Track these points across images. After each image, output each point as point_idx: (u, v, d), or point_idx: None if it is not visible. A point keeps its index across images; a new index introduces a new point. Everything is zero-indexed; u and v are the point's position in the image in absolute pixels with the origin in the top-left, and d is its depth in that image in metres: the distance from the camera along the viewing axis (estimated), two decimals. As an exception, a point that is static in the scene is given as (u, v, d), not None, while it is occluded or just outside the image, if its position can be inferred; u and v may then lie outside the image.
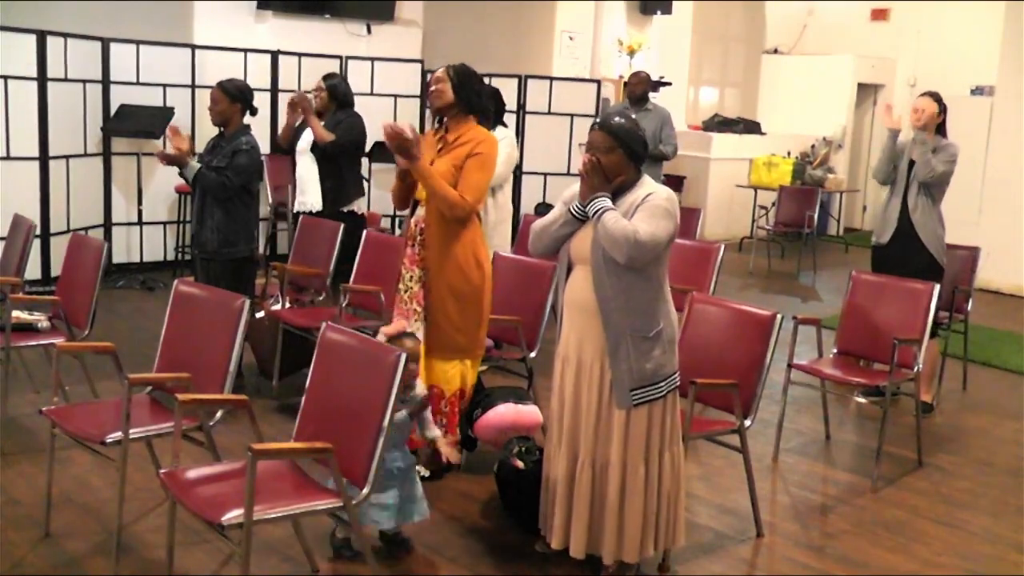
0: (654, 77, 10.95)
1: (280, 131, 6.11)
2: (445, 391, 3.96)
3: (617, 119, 3.16)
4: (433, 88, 3.91)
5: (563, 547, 3.26)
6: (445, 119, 3.96)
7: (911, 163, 5.19)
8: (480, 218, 4.01)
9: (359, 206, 5.78)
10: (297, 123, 5.82)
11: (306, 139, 5.72)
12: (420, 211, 3.96)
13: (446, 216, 3.84)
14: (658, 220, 3.05)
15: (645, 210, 3.07)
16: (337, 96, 5.74)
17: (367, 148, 6.03)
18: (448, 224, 3.86)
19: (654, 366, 3.13)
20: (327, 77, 5.85)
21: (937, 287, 4.56)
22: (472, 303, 3.93)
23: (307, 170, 5.72)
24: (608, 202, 3.08)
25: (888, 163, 5.28)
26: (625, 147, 3.12)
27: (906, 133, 5.32)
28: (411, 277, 3.99)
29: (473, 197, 3.82)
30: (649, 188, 3.15)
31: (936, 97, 5.20)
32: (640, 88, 7.51)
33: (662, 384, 3.16)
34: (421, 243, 3.93)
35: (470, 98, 3.91)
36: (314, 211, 5.68)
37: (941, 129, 5.23)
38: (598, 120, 3.20)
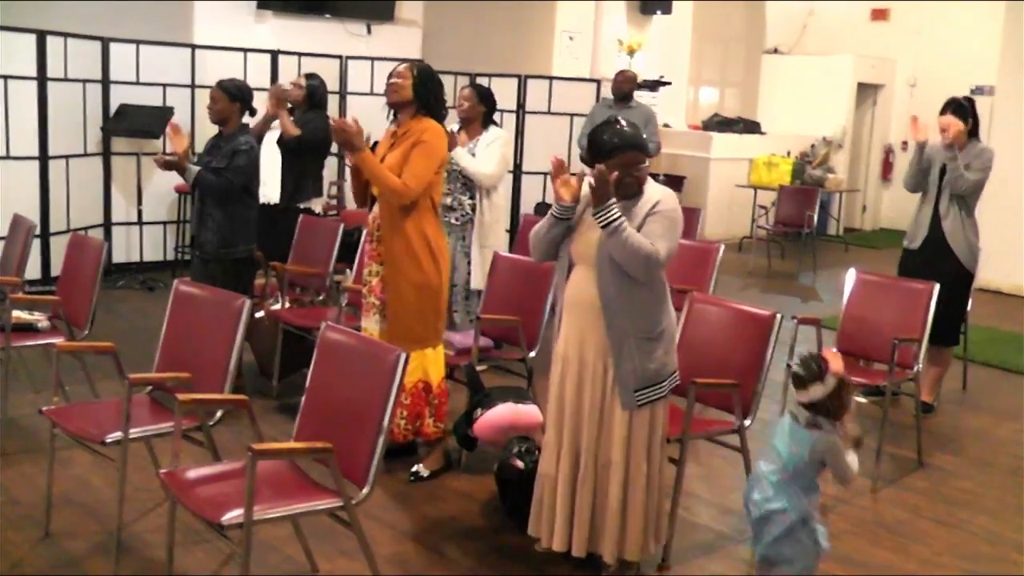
0: (654, 77, 11.01)
1: (256, 122, 5.96)
2: (406, 383, 3.95)
3: (629, 131, 3.12)
4: (392, 81, 3.91)
5: (565, 548, 3.25)
6: (398, 114, 3.97)
7: (943, 169, 5.12)
8: (436, 209, 4.01)
9: (316, 204, 5.82)
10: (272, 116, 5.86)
11: (272, 132, 5.75)
12: (377, 207, 3.99)
13: (392, 205, 3.85)
14: (673, 234, 3.11)
15: (659, 223, 3.08)
16: (314, 97, 5.78)
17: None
18: (402, 217, 3.87)
19: (657, 366, 3.15)
20: (309, 76, 5.89)
21: (937, 287, 4.55)
22: (429, 294, 3.94)
23: (270, 161, 5.75)
24: (617, 212, 3.04)
25: (918, 175, 5.21)
26: (647, 155, 3.17)
27: (934, 136, 5.19)
28: (369, 272, 4.02)
29: (415, 184, 3.81)
30: (655, 193, 3.16)
31: (959, 111, 5.06)
32: (626, 86, 7.56)
33: (664, 383, 3.18)
34: (378, 238, 3.95)
35: (428, 99, 3.91)
36: (271, 203, 5.71)
37: (975, 131, 5.13)
38: (625, 142, 3.09)
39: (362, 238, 5.30)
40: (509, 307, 4.50)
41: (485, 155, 5.05)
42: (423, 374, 3.99)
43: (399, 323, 3.93)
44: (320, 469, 2.91)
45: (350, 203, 8.48)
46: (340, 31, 8.99)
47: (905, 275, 5.12)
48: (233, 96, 4.79)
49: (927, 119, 5.31)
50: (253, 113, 4.96)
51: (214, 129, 4.94)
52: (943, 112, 5.12)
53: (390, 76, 3.93)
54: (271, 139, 5.72)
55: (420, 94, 3.89)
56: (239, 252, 4.79)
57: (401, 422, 3.98)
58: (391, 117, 4.03)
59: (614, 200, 3.05)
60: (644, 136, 3.22)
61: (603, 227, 3.04)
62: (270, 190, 5.72)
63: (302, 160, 5.67)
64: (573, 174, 3.28)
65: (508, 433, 3.83)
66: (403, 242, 3.88)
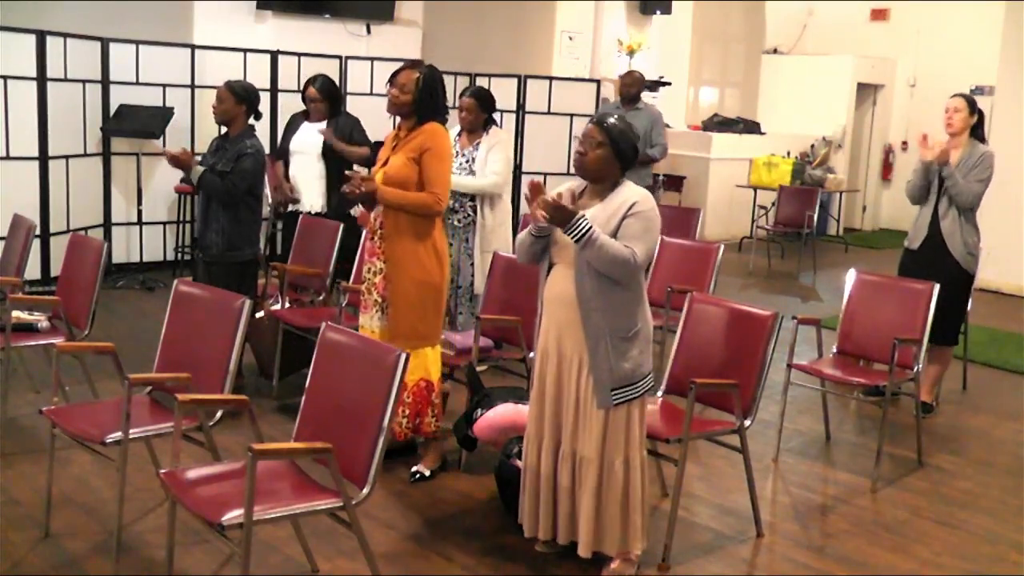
0: (654, 77, 11.00)
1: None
2: (407, 382, 3.96)
3: (612, 119, 3.22)
4: (392, 92, 3.92)
5: (550, 537, 3.34)
6: (400, 118, 4.02)
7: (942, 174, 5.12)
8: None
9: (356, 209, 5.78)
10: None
11: (299, 140, 5.77)
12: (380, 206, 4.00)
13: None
14: (650, 235, 3.14)
15: (636, 224, 3.11)
16: (334, 100, 5.82)
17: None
18: (405, 216, 3.90)
19: (632, 366, 3.19)
20: (313, 80, 5.84)
21: (937, 287, 4.54)
22: (431, 291, 3.96)
23: (303, 170, 5.77)
24: (586, 223, 3.06)
25: (923, 189, 5.22)
26: (614, 145, 3.16)
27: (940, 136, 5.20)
28: (370, 270, 4.03)
29: (442, 190, 3.91)
30: (632, 194, 3.19)
31: (969, 99, 5.12)
32: (634, 88, 7.53)
33: (639, 384, 3.22)
34: (381, 236, 3.97)
35: (424, 111, 3.93)
36: (313, 212, 5.72)
37: (977, 131, 5.16)
38: (595, 116, 3.26)
39: (362, 237, 5.31)
40: (509, 307, 4.50)
41: (486, 162, 5.03)
42: (424, 372, 4.00)
43: (401, 320, 3.94)
44: (320, 469, 2.91)
45: (350, 203, 8.48)
46: (340, 31, 8.99)
47: (904, 275, 5.14)
48: (240, 97, 4.76)
49: (930, 122, 5.31)
50: (259, 117, 4.91)
51: (214, 130, 4.93)
52: (954, 96, 5.18)
53: (391, 83, 3.94)
54: (299, 148, 5.78)
55: (419, 105, 3.91)
56: (243, 255, 4.78)
57: (403, 420, 3.99)
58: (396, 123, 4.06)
59: (581, 214, 3.08)
60: (632, 138, 3.24)
61: (576, 242, 3.07)
62: (310, 198, 5.79)
63: (341, 166, 5.57)
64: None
65: (508, 433, 3.84)
66: (406, 240, 3.91)
